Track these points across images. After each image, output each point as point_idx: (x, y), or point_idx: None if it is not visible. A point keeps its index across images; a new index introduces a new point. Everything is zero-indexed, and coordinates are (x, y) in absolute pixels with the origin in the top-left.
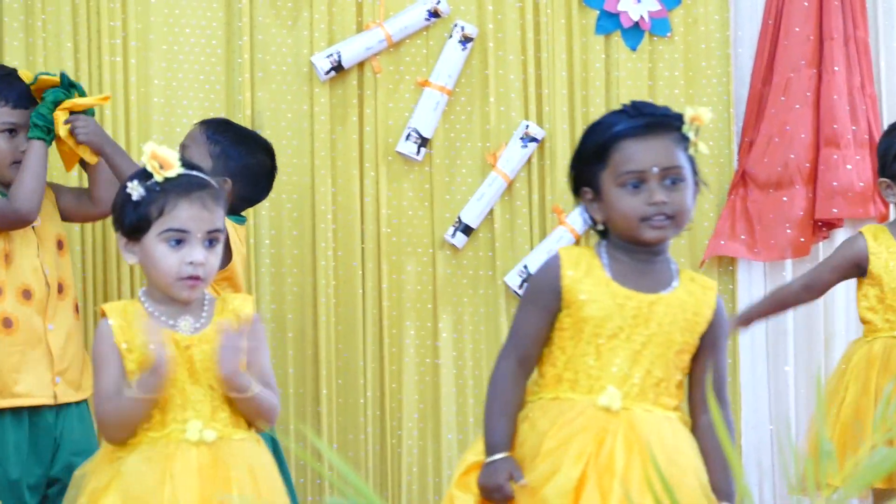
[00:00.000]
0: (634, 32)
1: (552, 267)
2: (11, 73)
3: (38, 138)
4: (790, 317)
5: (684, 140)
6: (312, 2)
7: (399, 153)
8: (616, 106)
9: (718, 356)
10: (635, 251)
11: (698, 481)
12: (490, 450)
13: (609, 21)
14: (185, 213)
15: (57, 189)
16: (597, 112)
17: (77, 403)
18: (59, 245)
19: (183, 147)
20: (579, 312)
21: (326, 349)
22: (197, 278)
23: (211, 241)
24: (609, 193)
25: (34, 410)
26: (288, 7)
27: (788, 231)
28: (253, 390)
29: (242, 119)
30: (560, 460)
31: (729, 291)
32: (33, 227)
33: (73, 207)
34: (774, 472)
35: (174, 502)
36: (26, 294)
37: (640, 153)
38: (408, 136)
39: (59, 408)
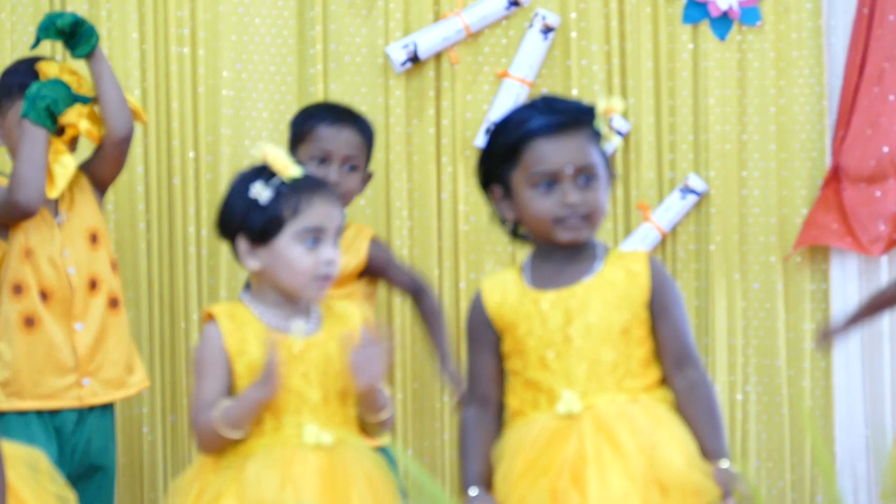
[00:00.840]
0: (723, 22)
1: (477, 301)
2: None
3: (42, 125)
4: (886, 319)
5: (597, 135)
6: None
7: (478, 147)
8: (704, 98)
9: (672, 317)
10: (557, 251)
11: (684, 456)
12: (463, 488)
13: (696, 10)
14: (321, 211)
15: (85, 168)
16: (684, 105)
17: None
18: (93, 239)
19: None
20: (514, 334)
21: (401, 352)
22: (328, 277)
23: (335, 240)
24: (521, 194)
25: (56, 412)
26: None
27: (882, 227)
28: (389, 411)
29: None
30: (531, 482)
31: (822, 292)
32: (58, 224)
33: (102, 164)
34: (869, 479)
35: None
36: (43, 295)
37: (552, 153)
38: (487, 130)
39: (89, 409)
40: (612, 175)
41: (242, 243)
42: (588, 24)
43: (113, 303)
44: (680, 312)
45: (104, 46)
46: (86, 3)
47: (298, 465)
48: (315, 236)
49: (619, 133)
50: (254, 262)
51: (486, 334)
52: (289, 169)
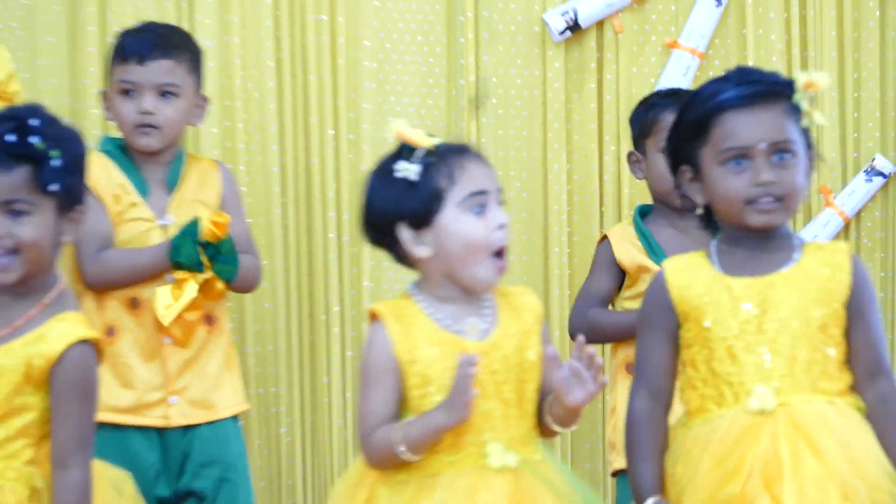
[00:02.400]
0: None
1: (659, 284)
2: (146, 27)
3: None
4: None
5: (796, 111)
6: None
7: None
8: (892, 71)
9: (868, 323)
10: (748, 237)
11: (880, 466)
12: (639, 498)
13: None
14: (477, 173)
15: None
16: (869, 77)
17: (211, 423)
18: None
19: None
20: (699, 322)
21: (560, 344)
22: (503, 252)
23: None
24: (710, 173)
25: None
26: None
27: None
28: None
29: (466, 86)
30: (719, 483)
31: None
32: (163, 228)
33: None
34: None
35: None
36: (134, 302)
37: (744, 127)
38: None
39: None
40: (813, 156)
41: (405, 232)
42: None
43: (208, 320)
44: (876, 318)
45: (235, 13)
46: None
47: (485, 492)
48: (480, 202)
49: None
50: (423, 249)
51: (664, 319)
52: (426, 139)
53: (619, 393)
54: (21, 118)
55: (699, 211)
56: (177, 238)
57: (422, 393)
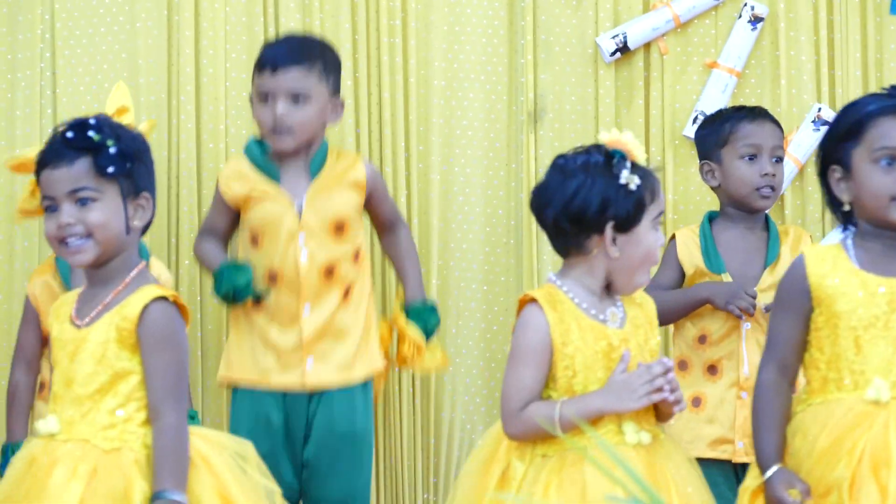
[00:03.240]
0: None
1: (798, 267)
2: (284, 39)
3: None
4: None
5: None
6: None
7: (686, 137)
8: None
9: None
10: (885, 235)
11: None
12: (763, 466)
13: None
14: (661, 196)
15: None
16: None
17: (343, 390)
18: (338, 229)
19: None
20: (831, 308)
21: None
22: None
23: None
24: (860, 171)
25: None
26: None
27: None
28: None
29: (525, 102)
30: (833, 462)
31: None
32: (298, 210)
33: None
34: None
35: None
36: (273, 276)
37: None
38: (695, 120)
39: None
40: None
41: (610, 231)
42: (796, 14)
43: (346, 292)
44: None
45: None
46: None
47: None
48: (660, 221)
49: (827, 123)
50: (615, 250)
51: (800, 301)
52: (638, 156)
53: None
54: (80, 121)
55: (846, 207)
56: (225, 271)
57: (570, 374)
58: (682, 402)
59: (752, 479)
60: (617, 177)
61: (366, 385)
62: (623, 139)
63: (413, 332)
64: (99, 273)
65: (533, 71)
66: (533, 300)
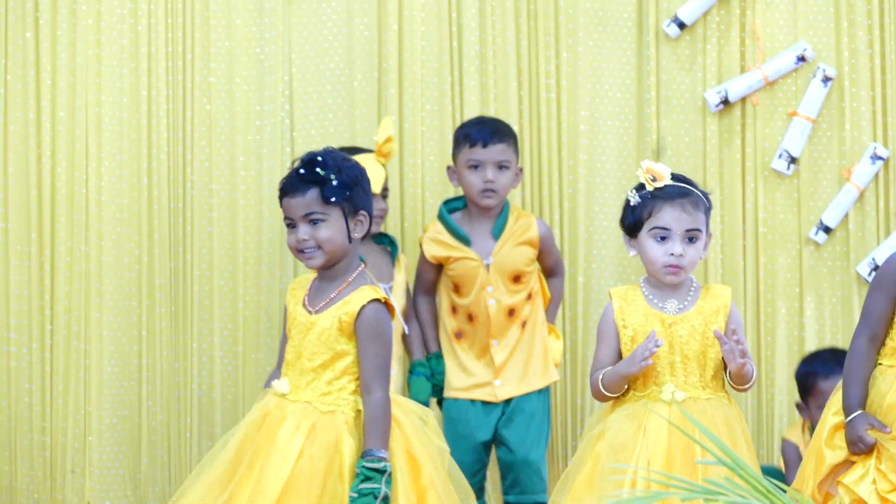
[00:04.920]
0: None
1: (893, 260)
2: (482, 119)
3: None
4: None
5: None
6: (706, 50)
7: (773, 169)
8: None
9: None
10: None
11: None
12: (847, 410)
13: None
14: (668, 216)
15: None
16: None
17: (524, 395)
18: (515, 279)
19: None
20: None
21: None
22: (677, 267)
23: (691, 239)
24: None
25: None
26: (686, 54)
27: None
28: (753, 371)
29: (650, 142)
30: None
31: None
32: (486, 266)
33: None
34: None
35: (646, 451)
36: (470, 317)
37: None
38: (780, 156)
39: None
40: None
41: (623, 235)
42: (857, 75)
43: (523, 325)
44: None
45: (488, 92)
46: (476, 60)
47: (654, 418)
48: (662, 234)
49: (881, 158)
50: (631, 251)
51: (893, 287)
52: (654, 181)
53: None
54: (311, 156)
55: None
56: (413, 384)
57: (630, 349)
58: (736, 363)
59: (833, 416)
60: (628, 197)
61: (543, 391)
62: (654, 166)
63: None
64: (328, 273)
65: (656, 118)
66: (610, 295)
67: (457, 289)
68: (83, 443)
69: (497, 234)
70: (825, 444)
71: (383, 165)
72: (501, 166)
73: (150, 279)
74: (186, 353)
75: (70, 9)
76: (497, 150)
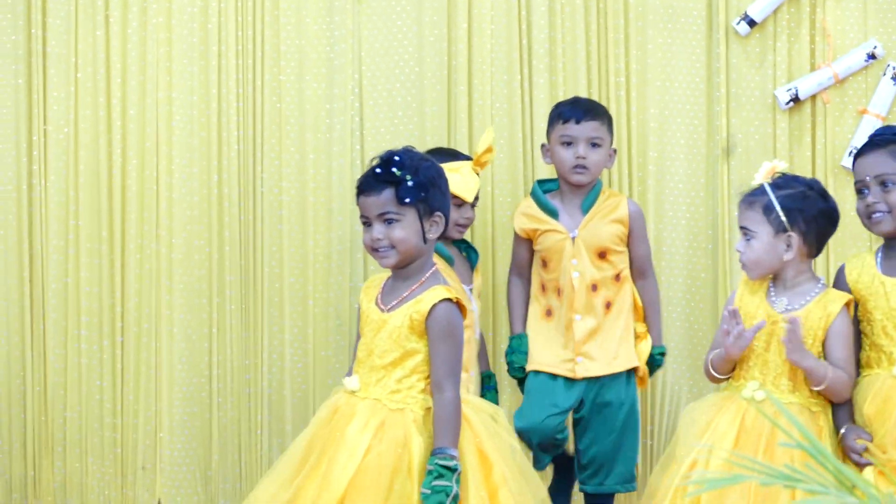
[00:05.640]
0: None
1: (839, 277)
2: (577, 99)
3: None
4: None
5: None
6: (776, 48)
7: (843, 167)
8: None
9: None
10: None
11: None
12: (837, 427)
13: None
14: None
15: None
16: None
17: (609, 375)
18: (601, 255)
19: None
20: (864, 306)
21: None
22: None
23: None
24: None
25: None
26: (756, 52)
27: None
28: (826, 376)
29: (720, 139)
30: (879, 425)
31: None
32: (572, 239)
33: (633, 254)
34: None
35: (713, 441)
36: (559, 292)
37: None
38: (850, 153)
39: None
40: None
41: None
42: None
43: (607, 305)
44: None
45: (557, 90)
46: (546, 59)
47: (728, 413)
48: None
49: None
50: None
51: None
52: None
53: None
54: (388, 156)
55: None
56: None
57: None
58: (790, 357)
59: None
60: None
61: (628, 373)
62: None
63: (644, 371)
64: (401, 272)
65: (725, 115)
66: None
67: (545, 263)
68: (154, 440)
69: (586, 209)
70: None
71: (478, 174)
72: (594, 144)
73: (220, 277)
74: (256, 350)
75: (140, 7)
76: (590, 127)
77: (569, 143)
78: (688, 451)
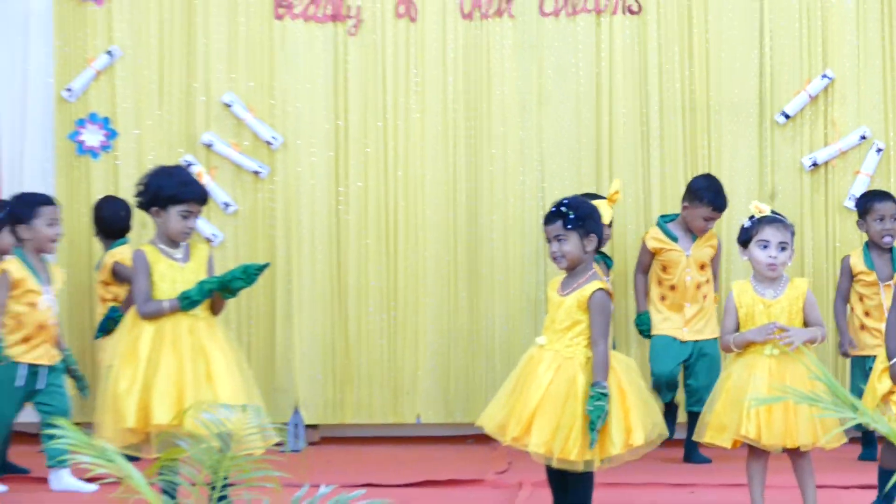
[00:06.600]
0: None
1: None
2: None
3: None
4: None
5: None
6: (802, 131)
7: (845, 206)
8: None
9: None
10: None
11: None
12: (890, 356)
13: None
14: (770, 231)
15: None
16: None
17: (705, 341)
18: (702, 267)
19: None
20: None
21: None
22: (772, 265)
23: (783, 248)
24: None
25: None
26: (789, 135)
27: None
28: (817, 337)
29: (767, 190)
30: None
31: None
32: (687, 256)
33: None
34: None
35: (754, 386)
36: (672, 288)
37: None
38: (850, 198)
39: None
40: None
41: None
42: None
43: (704, 297)
44: None
45: (665, 160)
46: (658, 132)
47: (758, 368)
48: (764, 243)
49: None
50: (744, 258)
51: None
52: (759, 212)
53: None
54: (559, 201)
55: None
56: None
57: (743, 321)
58: (793, 346)
59: (881, 363)
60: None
61: (714, 341)
62: (757, 204)
63: None
64: (572, 272)
65: (770, 175)
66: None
67: (664, 269)
68: (413, 376)
69: (694, 238)
70: (877, 381)
71: (611, 207)
72: (711, 218)
73: (455, 273)
74: (479, 320)
75: None
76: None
77: (709, 220)
78: (740, 390)
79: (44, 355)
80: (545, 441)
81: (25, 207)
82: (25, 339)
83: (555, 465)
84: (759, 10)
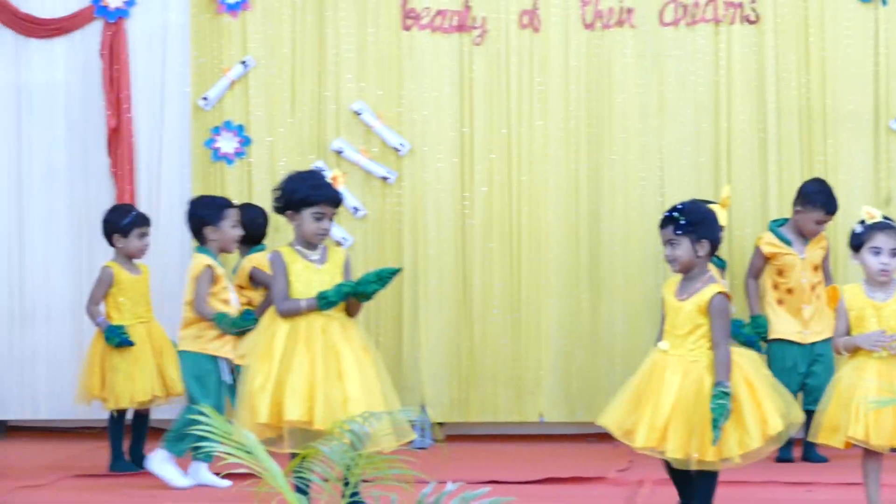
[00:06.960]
0: None
1: None
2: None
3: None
4: None
5: None
6: None
7: None
8: None
9: None
10: None
11: None
12: None
13: None
14: (881, 237)
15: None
16: None
17: (825, 340)
18: (815, 268)
19: None
20: None
21: None
22: (885, 270)
23: (894, 254)
24: None
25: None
26: None
27: None
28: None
29: (884, 194)
30: None
31: None
32: (802, 259)
33: None
34: None
35: (863, 386)
36: (789, 291)
37: None
38: None
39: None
40: None
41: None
42: None
43: (818, 297)
44: None
45: (781, 168)
46: (775, 141)
47: (867, 370)
48: (876, 251)
49: None
50: (856, 262)
51: None
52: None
53: None
54: (672, 206)
55: None
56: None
57: (854, 324)
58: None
59: None
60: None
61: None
62: (868, 209)
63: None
64: (688, 276)
65: (886, 177)
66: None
67: (780, 272)
68: (536, 375)
69: (807, 241)
70: None
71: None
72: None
73: (577, 276)
74: (600, 319)
75: None
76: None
77: (821, 223)
78: (850, 392)
79: (230, 352)
80: (682, 445)
81: (213, 210)
82: (220, 336)
83: (694, 467)
84: (874, 18)
